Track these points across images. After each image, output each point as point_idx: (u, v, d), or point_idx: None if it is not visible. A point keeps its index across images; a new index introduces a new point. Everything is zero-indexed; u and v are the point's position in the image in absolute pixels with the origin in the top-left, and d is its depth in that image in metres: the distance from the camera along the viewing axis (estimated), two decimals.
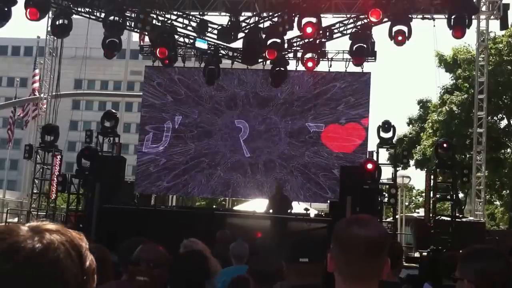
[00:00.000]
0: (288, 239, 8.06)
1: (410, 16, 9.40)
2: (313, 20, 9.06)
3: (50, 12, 10.62)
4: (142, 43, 15.73)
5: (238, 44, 11.28)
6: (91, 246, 0.79)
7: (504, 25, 11.57)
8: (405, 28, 9.04)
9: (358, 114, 12.42)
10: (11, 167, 34.48)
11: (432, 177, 10.57)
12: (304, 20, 9.04)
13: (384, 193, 10.58)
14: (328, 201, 11.94)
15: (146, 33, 10.60)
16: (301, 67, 11.67)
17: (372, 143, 12.04)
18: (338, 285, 1.29)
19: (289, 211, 9.58)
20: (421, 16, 10.56)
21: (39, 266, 0.69)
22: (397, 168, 11.59)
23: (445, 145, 10.75)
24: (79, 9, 10.49)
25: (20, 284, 0.68)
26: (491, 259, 1.64)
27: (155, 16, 10.59)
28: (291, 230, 8.81)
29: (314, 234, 8.70)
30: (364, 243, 1.24)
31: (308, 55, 10.77)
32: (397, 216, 12.61)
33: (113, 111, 13.19)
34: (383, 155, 12.45)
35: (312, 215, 9.89)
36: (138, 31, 11.30)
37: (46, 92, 15.90)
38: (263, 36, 10.04)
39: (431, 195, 10.48)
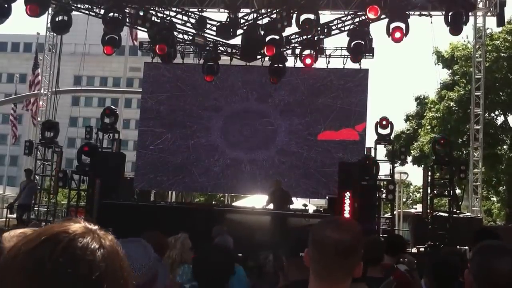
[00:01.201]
0: (288, 235, 8.15)
1: (407, 13, 9.45)
2: (311, 16, 9.11)
3: (50, 9, 10.65)
4: (135, 41, 15.76)
5: (237, 40, 11.33)
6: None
7: (500, 22, 11.61)
8: (402, 25, 9.09)
9: (354, 116, 12.50)
10: (11, 163, 34.54)
11: (429, 173, 10.64)
12: (302, 17, 9.08)
13: (382, 189, 10.66)
14: (327, 197, 12.05)
15: (145, 30, 10.61)
16: (299, 64, 11.72)
17: (370, 140, 12.13)
18: (310, 282, 1.33)
19: (288, 206, 9.68)
20: (418, 13, 10.60)
21: (117, 261, 0.68)
22: (395, 165, 11.66)
23: (442, 141, 10.82)
24: (79, 6, 10.52)
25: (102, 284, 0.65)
26: (500, 257, 1.56)
27: (154, 12, 10.62)
28: (290, 226, 8.91)
29: None
30: (335, 245, 1.28)
31: (306, 51, 10.82)
32: (394, 212, 12.69)
33: (113, 107, 13.25)
34: (381, 152, 12.63)
35: (310, 211, 9.98)
36: (130, 28, 11.31)
37: (46, 88, 15.93)
38: (262, 32, 10.08)
39: (429, 191, 10.57)
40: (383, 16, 9.24)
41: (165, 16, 10.87)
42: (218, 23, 10.78)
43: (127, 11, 10.34)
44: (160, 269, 1.50)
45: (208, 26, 11.04)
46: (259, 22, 10.76)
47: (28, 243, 0.67)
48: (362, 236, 1.35)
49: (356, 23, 10.45)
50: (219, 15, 11.99)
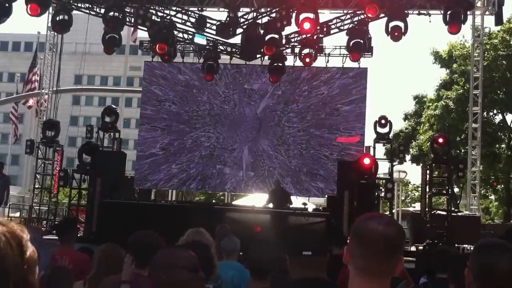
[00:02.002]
0: (289, 233, 8.20)
1: (406, 11, 9.49)
2: (311, 15, 9.15)
3: (50, 8, 10.69)
4: (133, 40, 15.78)
5: (237, 39, 11.37)
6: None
7: (499, 21, 11.64)
8: (401, 24, 9.13)
9: (352, 122, 12.57)
10: (12, 162, 34.61)
11: (428, 171, 10.70)
12: (302, 16, 9.12)
13: (380, 187, 10.72)
14: (326, 196, 12.11)
15: (145, 29, 10.65)
16: (298, 63, 11.77)
17: (369, 138, 12.19)
18: (351, 279, 1.29)
19: (288, 205, 9.74)
20: (417, 12, 10.64)
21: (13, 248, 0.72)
22: (394, 163, 11.72)
23: (440, 140, 10.87)
24: (79, 5, 10.56)
25: None
26: (499, 255, 1.55)
27: (154, 12, 10.67)
28: (289, 225, 8.96)
29: (313, 228, 8.85)
30: (383, 239, 1.24)
31: (306, 50, 10.86)
32: (393, 211, 12.77)
33: (113, 106, 13.30)
34: (380, 150, 12.72)
35: (310, 210, 10.04)
36: (134, 26, 11.35)
37: (47, 87, 15.98)
38: (261, 31, 10.12)
39: (427, 189, 10.62)
40: (382, 15, 9.29)
41: (165, 15, 10.92)
42: (218, 22, 10.83)
43: (127, 10, 10.39)
44: (41, 250, 1.54)
45: (208, 25, 11.08)
46: (259, 21, 10.80)
47: None
48: (404, 233, 1.32)
49: (355, 22, 10.50)
50: (219, 14, 12.05)
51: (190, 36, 11.58)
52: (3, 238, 0.75)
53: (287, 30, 10.51)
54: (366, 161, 9.98)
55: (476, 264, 1.59)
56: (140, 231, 2.67)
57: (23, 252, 0.77)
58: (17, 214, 17.18)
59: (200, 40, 11.09)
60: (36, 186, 13.28)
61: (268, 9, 10.77)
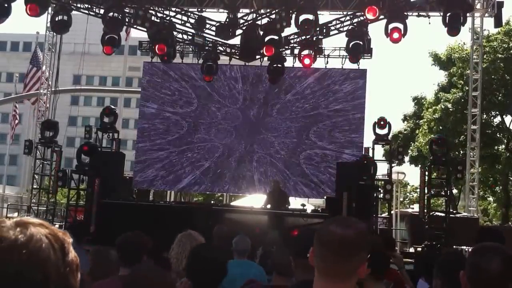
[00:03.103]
0: (287, 234, 8.19)
1: (405, 13, 9.51)
2: (310, 17, 9.16)
3: (50, 8, 10.67)
4: (125, 39, 15.76)
5: (236, 40, 11.37)
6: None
7: (498, 23, 11.67)
8: (400, 26, 9.15)
9: (352, 124, 12.59)
10: (10, 162, 34.53)
11: (426, 173, 10.71)
12: (301, 17, 9.13)
13: (379, 189, 10.72)
14: (325, 197, 12.11)
15: (145, 30, 10.65)
16: (298, 64, 11.78)
17: (368, 140, 12.19)
18: (315, 279, 1.32)
19: (286, 206, 9.73)
20: (416, 14, 10.66)
21: (21, 255, 0.70)
22: (392, 164, 11.73)
23: (439, 141, 10.88)
24: (79, 5, 10.55)
25: (2, 273, 0.69)
26: (490, 257, 1.57)
27: (153, 12, 10.66)
28: (288, 225, 8.96)
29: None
30: (338, 240, 1.25)
31: (305, 51, 10.87)
32: (392, 212, 12.76)
33: (112, 107, 13.28)
34: (379, 151, 12.73)
35: (309, 211, 10.03)
36: (134, 27, 11.35)
37: (46, 88, 15.95)
38: (261, 32, 10.13)
39: (426, 191, 10.64)
40: (381, 17, 9.30)
41: (164, 16, 10.91)
42: (218, 23, 10.83)
43: (127, 11, 10.38)
44: (80, 255, 1.54)
45: (208, 26, 11.08)
46: (258, 22, 10.81)
47: None
48: (368, 235, 1.32)
49: (355, 24, 10.51)
50: (219, 15, 12.05)
51: (190, 37, 11.58)
52: (45, 240, 0.74)
53: (287, 31, 10.52)
54: (365, 162, 9.96)
55: (468, 266, 1.62)
56: (128, 232, 2.69)
57: (65, 256, 0.75)
58: (15, 214, 17.15)
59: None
60: (34, 187, 13.25)
61: (268, 10, 10.78)
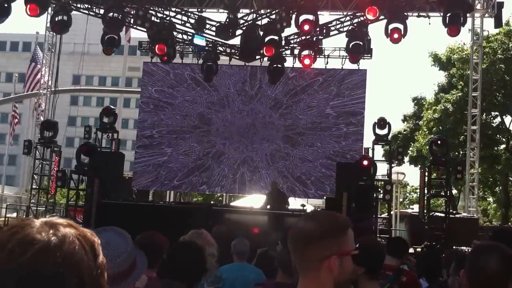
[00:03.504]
0: (286, 235, 8.17)
1: (406, 14, 9.50)
2: (310, 17, 9.15)
3: (50, 8, 10.66)
4: (127, 40, 15.74)
5: (236, 41, 11.36)
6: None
7: (498, 23, 11.67)
8: (401, 26, 9.14)
9: (351, 124, 12.58)
10: (9, 163, 34.49)
11: (426, 173, 10.71)
12: (302, 18, 9.12)
13: (379, 189, 10.72)
14: (324, 197, 12.10)
15: (145, 30, 10.64)
16: (298, 64, 11.77)
17: (368, 140, 12.19)
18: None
19: (286, 206, 9.72)
20: (416, 14, 10.66)
21: (56, 258, 0.67)
22: (392, 165, 11.73)
23: (439, 142, 10.89)
24: (78, 6, 10.54)
25: (36, 277, 0.66)
26: (488, 256, 1.58)
27: (153, 12, 10.65)
28: (288, 226, 8.95)
29: None
30: (298, 233, 1.26)
31: (305, 52, 10.87)
32: (391, 212, 12.77)
33: (112, 107, 13.27)
34: (379, 152, 12.72)
35: (308, 211, 10.02)
36: (134, 27, 11.35)
37: (45, 88, 15.93)
38: (261, 33, 10.12)
39: (426, 191, 10.63)
40: (381, 17, 9.30)
41: (164, 16, 10.90)
42: (218, 24, 10.82)
43: (127, 11, 10.37)
44: (139, 257, 1.53)
45: (208, 26, 11.07)
46: (258, 22, 10.81)
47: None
48: (332, 227, 1.25)
49: (355, 24, 10.51)
50: (219, 16, 12.04)
51: (190, 37, 11.57)
52: (77, 241, 0.70)
53: (287, 31, 10.52)
54: (365, 162, 9.97)
55: (467, 265, 1.64)
56: (147, 232, 2.66)
57: (96, 257, 0.72)
58: (14, 215, 17.12)
59: (199, 41, 11.08)
60: (34, 187, 13.23)
61: (268, 10, 10.77)
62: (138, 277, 1.50)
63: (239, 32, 10.70)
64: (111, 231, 1.50)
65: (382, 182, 11.06)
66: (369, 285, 2.29)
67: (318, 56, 11.43)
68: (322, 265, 1.23)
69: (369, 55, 11.49)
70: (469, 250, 1.85)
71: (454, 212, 11.98)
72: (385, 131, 11.29)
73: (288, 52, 12.09)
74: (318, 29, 10.42)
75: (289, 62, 12.13)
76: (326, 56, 12.55)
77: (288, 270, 2.52)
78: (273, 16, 10.30)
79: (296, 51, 11.69)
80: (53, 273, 0.67)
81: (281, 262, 2.69)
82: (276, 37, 9.86)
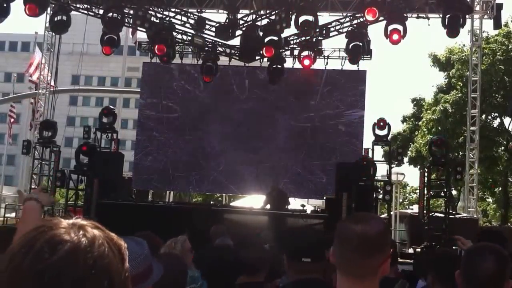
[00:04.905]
0: (286, 235, 8.16)
1: (405, 15, 9.52)
2: (310, 18, 9.16)
3: (49, 8, 10.65)
4: (134, 41, 15.73)
5: (236, 41, 11.37)
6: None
7: (497, 25, 11.70)
8: (400, 27, 9.15)
9: (351, 124, 12.60)
10: (8, 163, 34.44)
11: (426, 174, 10.72)
12: (301, 18, 9.13)
13: (379, 189, 10.72)
14: (324, 198, 12.10)
15: (144, 30, 10.63)
16: (297, 65, 11.78)
17: (368, 141, 12.20)
18: (338, 280, 1.30)
19: (286, 206, 9.72)
20: (416, 15, 10.67)
21: (86, 260, 0.65)
22: (392, 165, 11.74)
23: (439, 142, 10.89)
24: (78, 6, 10.53)
25: (66, 279, 0.63)
26: (484, 257, 1.59)
27: (153, 13, 10.65)
28: (288, 226, 8.94)
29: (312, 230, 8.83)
30: (357, 237, 1.23)
31: (305, 53, 10.87)
32: (391, 213, 12.77)
33: (111, 107, 13.25)
34: (378, 152, 12.78)
35: (308, 211, 10.02)
36: (133, 27, 11.36)
37: (44, 88, 15.91)
38: (261, 33, 10.13)
39: (425, 191, 10.64)
40: (381, 18, 9.31)
41: (164, 16, 10.90)
42: (217, 24, 10.82)
43: (126, 11, 10.36)
44: (154, 263, 1.54)
45: (207, 26, 11.07)
46: (258, 23, 10.81)
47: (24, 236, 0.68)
48: (388, 231, 1.30)
49: (354, 25, 10.52)
50: (218, 16, 12.05)
51: (189, 38, 11.57)
52: (106, 244, 0.69)
53: (287, 32, 10.52)
54: (365, 163, 9.97)
55: (463, 266, 1.64)
56: (141, 232, 2.65)
57: (123, 261, 0.70)
58: (13, 215, 17.09)
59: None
60: (32, 187, 13.19)
61: (268, 11, 10.78)
62: (153, 282, 1.50)
63: (238, 32, 10.70)
64: (125, 238, 1.50)
65: (382, 183, 11.06)
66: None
67: (317, 57, 11.45)
68: (379, 270, 1.24)
69: (369, 56, 11.50)
70: (464, 252, 1.81)
71: (453, 212, 11.99)
72: (384, 132, 11.30)
73: (288, 53, 12.09)
74: (317, 30, 10.43)
75: (288, 63, 12.14)
76: (325, 57, 12.56)
77: (257, 270, 2.44)
78: (273, 17, 10.30)
79: (296, 52, 11.70)
80: (84, 275, 0.64)
81: (266, 262, 2.54)
82: (275, 38, 9.87)
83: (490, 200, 23.86)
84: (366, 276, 1.25)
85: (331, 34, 11.05)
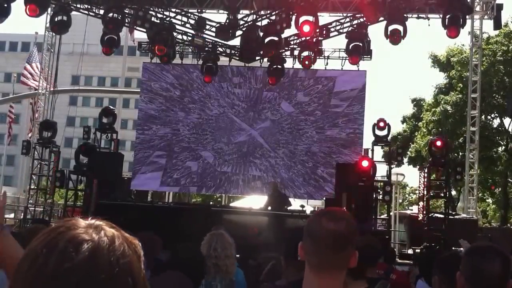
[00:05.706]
0: (285, 235, 8.16)
1: (405, 15, 9.51)
2: (310, 18, 9.15)
3: (49, 9, 10.64)
4: (132, 40, 15.73)
5: (236, 41, 11.36)
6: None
7: (497, 25, 11.70)
8: (400, 27, 9.15)
9: (351, 125, 12.59)
10: (8, 163, 34.42)
11: (426, 174, 10.71)
12: (301, 19, 9.12)
13: (378, 190, 10.71)
14: (324, 198, 12.10)
15: (144, 31, 10.63)
16: (298, 65, 11.77)
17: (367, 141, 12.19)
18: (306, 274, 1.33)
19: (286, 208, 9.71)
20: (416, 16, 10.67)
21: (109, 258, 0.65)
22: (392, 166, 11.74)
23: (438, 143, 10.89)
24: (78, 6, 10.52)
25: (94, 277, 0.63)
26: (491, 258, 1.60)
27: (153, 13, 10.64)
28: (287, 227, 8.94)
29: None
30: (332, 236, 1.28)
31: (305, 53, 10.87)
32: (391, 213, 12.77)
33: (111, 107, 13.25)
34: (378, 153, 12.80)
35: (308, 212, 10.01)
36: (133, 27, 11.34)
37: (44, 88, 15.90)
38: (261, 34, 10.12)
39: (425, 192, 10.63)
40: (381, 19, 9.30)
41: (164, 16, 10.89)
42: (218, 24, 10.81)
43: (127, 11, 10.36)
44: (144, 266, 1.54)
45: (208, 27, 11.07)
46: (258, 23, 10.80)
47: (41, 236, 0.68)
48: (355, 225, 1.34)
49: (355, 25, 10.51)
50: (219, 16, 12.04)
51: (189, 38, 11.56)
52: (124, 243, 0.68)
53: (287, 32, 10.51)
54: (365, 163, 9.97)
55: (467, 267, 1.62)
56: (141, 233, 2.65)
57: (140, 258, 0.70)
58: (12, 215, 17.07)
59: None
60: (32, 187, 13.18)
61: (268, 11, 10.77)
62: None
63: (239, 33, 10.70)
64: None
65: (382, 183, 11.06)
66: (354, 284, 2.29)
67: (318, 57, 11.44)
68: (347, 263, 1.31)
69: (369, 56, 11.50)
70: (465, 252, 1.79)
71: (453, 213, 11.98)
72: (384, 132, 11.30)
73: (288, 53, 12.09)
74: (318, 30, 10.42)
75: (289, 63, 12.13)
76: (326, 57, 12.56)
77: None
78: (273, 17, 10.29)
79: (296, 52, 11.69)
80: (110, 273, 0.64)
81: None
82: (276, 38, 9.86)
83: (489, 200, 23.85)
84: (338, 271, 1.31)
85: (331, 34, 11.04)
